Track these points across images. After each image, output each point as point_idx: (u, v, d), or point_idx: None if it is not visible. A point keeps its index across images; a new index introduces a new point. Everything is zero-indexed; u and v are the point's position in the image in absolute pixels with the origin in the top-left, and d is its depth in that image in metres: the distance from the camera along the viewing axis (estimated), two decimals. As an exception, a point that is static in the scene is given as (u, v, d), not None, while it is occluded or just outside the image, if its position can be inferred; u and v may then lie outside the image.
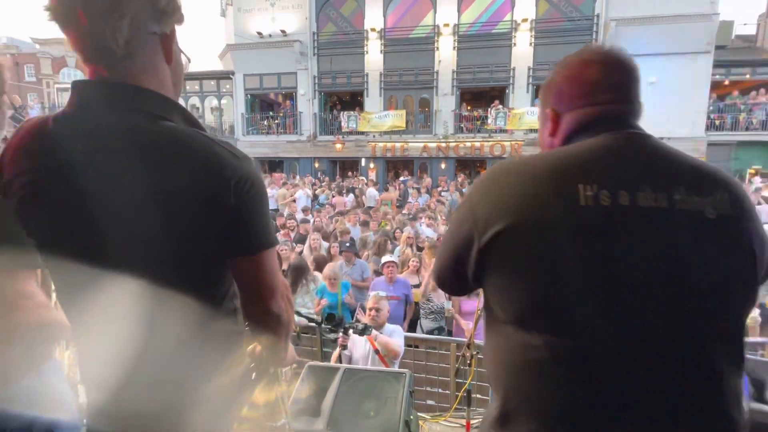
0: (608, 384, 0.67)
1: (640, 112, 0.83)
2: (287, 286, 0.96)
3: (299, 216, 8.18)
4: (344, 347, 2.87)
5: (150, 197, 0.76)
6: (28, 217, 0.82)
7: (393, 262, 4.53)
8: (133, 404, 0.82)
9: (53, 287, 1.21)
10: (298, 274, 4.52)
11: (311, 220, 7.61)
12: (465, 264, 0.80)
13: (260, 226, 0.84)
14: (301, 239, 6.49)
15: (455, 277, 0.87)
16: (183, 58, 0.91)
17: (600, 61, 0.83)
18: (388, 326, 3.15)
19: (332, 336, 2.78)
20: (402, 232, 6.31)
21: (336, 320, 2.70)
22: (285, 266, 5.05)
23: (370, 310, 3.11)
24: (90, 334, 0.84)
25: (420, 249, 5.83)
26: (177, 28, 0.86)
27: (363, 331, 2.74)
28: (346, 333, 2.79)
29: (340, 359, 2.97)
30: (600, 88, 0.81)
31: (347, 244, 5.16)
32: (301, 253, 5.83)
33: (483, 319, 0.87)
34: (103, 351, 0.83)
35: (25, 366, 1.13)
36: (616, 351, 0.67)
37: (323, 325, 2.73)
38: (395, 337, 3.04)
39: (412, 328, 4.44)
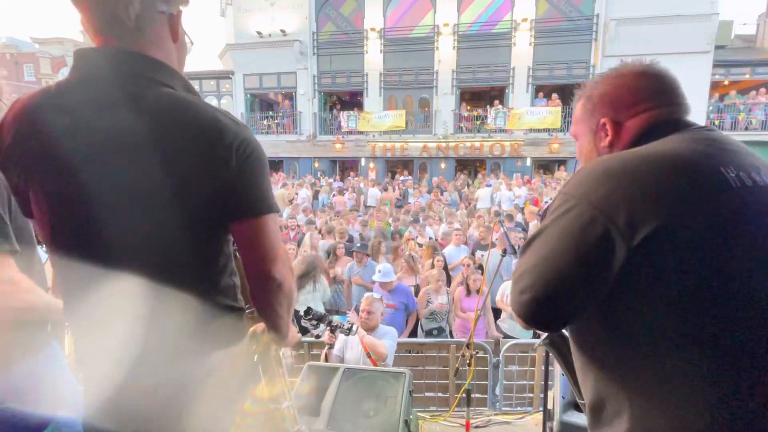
0: None
1: (690, 112, 0.89)
2: (289, 254, 0.95)
3: (302, 217, 8.13)
4: (331, 346, 2.86)
5: (152, 161, 0.77)
6: (29, 185, 0.82)
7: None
8: (136, 381, 0.82)
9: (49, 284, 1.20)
10: (310, 269, 4.48)
11: (316, 222, 7.56)
12: (598, 277, 0.69)
13: (261, 191, 0.85)
14: (303, 239, 6.49)
15: (572, 299, 0.72)
16: (187, 39, 0.94)
17: (650, 71, 0.89)
18: (382, 328, 3.13)
19: (315, 332, 2.76)
20: (409, 231, 6.31)
21: (315, 315, 2.68)
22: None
23: (362, 311, 3.09)
24: (90, 309, 0.84)
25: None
26: (182, 9, 0.89)
27: (349, 331, 2.74)
28: (333, 331, 2.78)
29: (326, 359, 2.95)
30: (662, 94, 0.87)
31: (358, 245, 5.12)
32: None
33: (608, 346, 0.74)
34: (103, 329, 0.83)
35: (19, 351, 1.12)
36: None
37: (303, 319, 2.71)
38: (387, 338, 3.01)
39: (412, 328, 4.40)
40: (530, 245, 0.78)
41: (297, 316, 2.80)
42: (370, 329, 3.03)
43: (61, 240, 0.83)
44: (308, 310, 2.69)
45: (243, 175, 0.81)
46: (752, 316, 0.65)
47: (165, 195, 0.78)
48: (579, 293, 0.72)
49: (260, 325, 0.97)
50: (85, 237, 0.80)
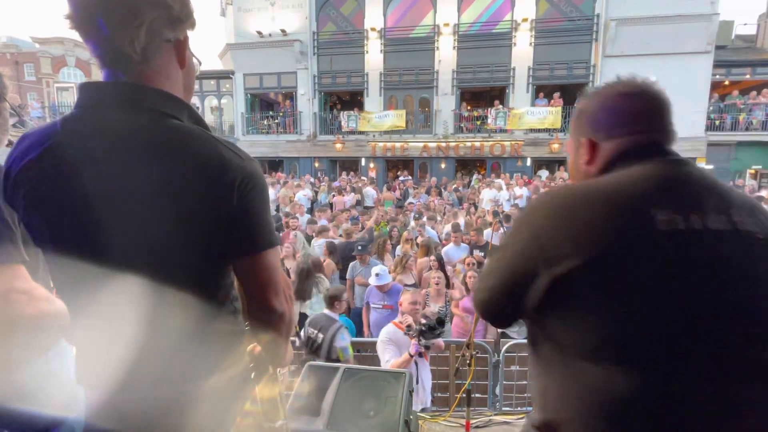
0: (699, 418, 0.65)
1: (674, 140, 0.85)
2: (289, 284, 0.96)
3: (305, 217, 8.14)
4: (420, 355, 2.79)
5: (154, 195, 0.77)
6: (33, 217, 0.82)
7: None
8: (133, 403, 0.83)
9: (52, 285, 1.22)
10: (307, 275, 4.46)
11: (319, 221, 7.57)
12: (524, 295, 0.78)
13: (262, 226, 0.85)
14: (307, 239, 6.53)
15: (505, 308, 0.85)
16: (194, 61, 0.94)
17: (636, 92, 0.86)
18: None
19: (430, 343, 2.72)
20: (408, 231, 6.33)
21: (439, 323, 2.65)
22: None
23: (410, 304, 3.05)
24: (92, 332, 0.84)
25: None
26: (189, 33, 0.89)
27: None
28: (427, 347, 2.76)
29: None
30: (639, 118, 0.84)
31: (359, 246, 5.12)
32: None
33: (532, 352, 0.84)
34: (104, 350, 0.83)
35: (29, 351, 1.15)
36: (708, 383, 0.65)
37: (431, 331, 2.68)
38: None
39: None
40: (492, 255, 0.89)
41: (422, 333, 2.71)
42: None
43: (65, 272, 0.83)
44: (440, 321, 2.66)
45: (244, 211, 0.81)
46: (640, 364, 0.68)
47: (166, 228, 0.78)
48: (505, 304, 0.84)
49: (258, 346, 0.98)
50: (87, 268, 0.80)
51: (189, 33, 0.88)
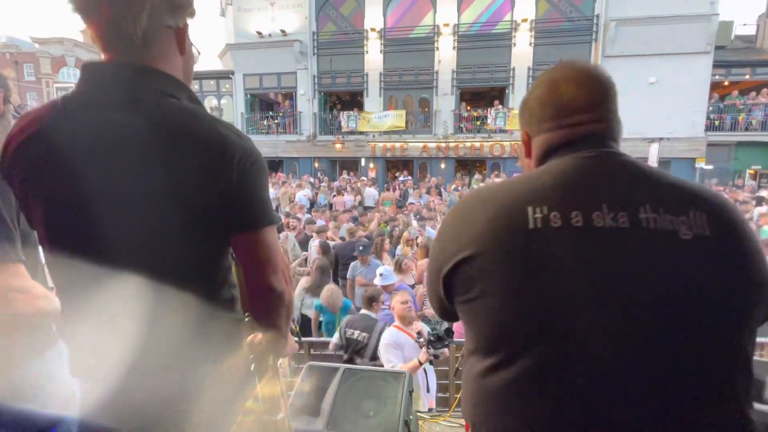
0: (555, 409, 0.65)
1: (615, 129, 0.79)
2: (288, 264, 0.96)
3: (304, 217, 8.16)
4: (430, 363, 2.80)
5: (155, 171, 0.77)
6: (29, 193, 0.82)
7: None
8: (131, 391, 0.81)
9: (51, 285, 1.21)
10: (322, 273, 4.51)
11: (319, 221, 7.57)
12: (439, 292, 0.82)
13: (261, 203, 0.85)
14: (306, 239, 6.54)
15: (438, 304, 0.89)
16: (194, 51, 0.95)
17: (569, 80, 0.79)
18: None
19: (438, 352, 2.73)
20: (408, 232, 6.34)
21: (447, 333, 2.65)
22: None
23: (404, 303, 3.09)
24: (87, 317, 0.83)
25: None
26: (189, 21, 0.90)
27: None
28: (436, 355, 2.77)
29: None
30: (568, 110, 0.78)
31: (360, 247, 5.12)
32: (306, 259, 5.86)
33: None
34: (100, 337, 0.82)
35: (26, 351, 1.16)
36: (568, 374, 0.65)
37: (440, 341, 2.67)
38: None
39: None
40: None
41: (430, 342, 2.69)
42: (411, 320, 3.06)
43: (62, 248, 0.83)
44: (449, 331, 2.63)
45: (244, 188, 0.82)
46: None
47: (166, 206, 0.78)
48: (435, 301, 0.88)
49: (258, 334, 0.97)
50: (85, 247, 0.79)
51: (189, 21, 0.90)
